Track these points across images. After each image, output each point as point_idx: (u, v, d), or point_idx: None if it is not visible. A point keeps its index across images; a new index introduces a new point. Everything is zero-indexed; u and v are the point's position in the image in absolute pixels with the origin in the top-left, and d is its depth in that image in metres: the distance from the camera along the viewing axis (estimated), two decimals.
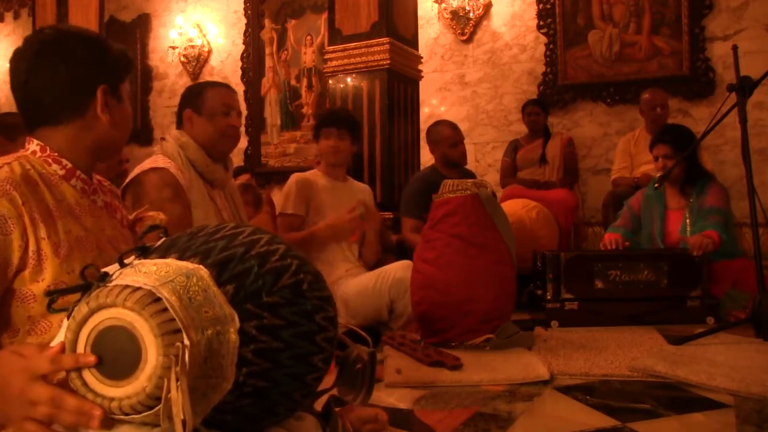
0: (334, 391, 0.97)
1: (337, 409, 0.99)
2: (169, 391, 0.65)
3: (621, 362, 2.04)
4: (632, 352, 2.17)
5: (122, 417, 0.69)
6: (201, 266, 0.74)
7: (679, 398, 1.72)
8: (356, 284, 2.72)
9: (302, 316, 0.78)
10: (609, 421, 1.53)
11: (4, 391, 0.76)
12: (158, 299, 0.69)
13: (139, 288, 0.69)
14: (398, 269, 2.64)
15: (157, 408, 0.66)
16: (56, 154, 1.09)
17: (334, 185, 2.97)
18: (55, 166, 1.08)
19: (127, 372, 0.68)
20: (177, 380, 0.65)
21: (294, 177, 2.96)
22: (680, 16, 4.47)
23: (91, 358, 0.69)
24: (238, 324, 0.72)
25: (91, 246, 1.06)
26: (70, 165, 1.10)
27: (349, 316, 2.70)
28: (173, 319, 0.68)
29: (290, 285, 0.78)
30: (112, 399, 0.68)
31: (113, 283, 0.72)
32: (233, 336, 0.71)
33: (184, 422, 0.64)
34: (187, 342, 0.67)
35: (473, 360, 2.06)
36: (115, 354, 0.69)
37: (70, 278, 1.00)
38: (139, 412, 0.68)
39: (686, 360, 2.00)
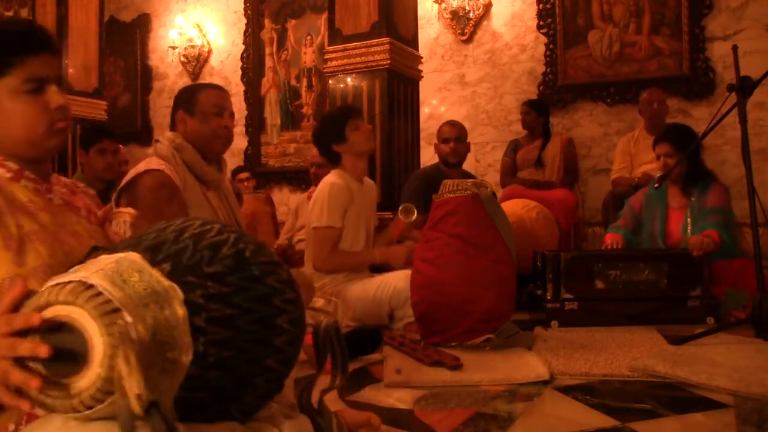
0: (331, 383, 0.95)
1: (334, 411, 0.98)
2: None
3: (621, 362, 2.04)
4: (632, 352, 2.17)
5: (87, 412, 0.68)
6: (131, 252, 0.74)
7: (679, 398, 1.72)
8: (358, 290, 2.73)
9: (251, 281, 0.77)
10: (609, 421, 1.53)
11: None
12: (91, 286, 0.68)
13: (69, 282, 0.69)
14: (399, 280, 2.65)
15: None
16: (1, 158, 1.10)
17: (360, 188, 2.89)
18: (1, 170, 1.09)
19: (79, 364, 0.67)
20: (126, 356, 0.64)
21: (330, 185, 2.77)
22: (680, 16, 4.47)
23: (44, 349, 0.67)
24: (181, 294, 0.71)
25: (47, 239, 1.06)
26: (16, 167, 1.10)
27: (349, 318, 2.71)
28: (110, 300, 0.67)
29: (231, 254, 0.78)
30: (73, 396, 0.68)
31: (47, 284, 0.71)
32: (178, 306, 0.71)
33: (139, 396, 0.63)
34: (129, 319, 0.66)
35: (473, 360, 2.06)
36: (65, 350, 0.68)
37: (23, 272, 0.99)
38: (101, 401, 0.67)
39: (686, 360, 1.99)
